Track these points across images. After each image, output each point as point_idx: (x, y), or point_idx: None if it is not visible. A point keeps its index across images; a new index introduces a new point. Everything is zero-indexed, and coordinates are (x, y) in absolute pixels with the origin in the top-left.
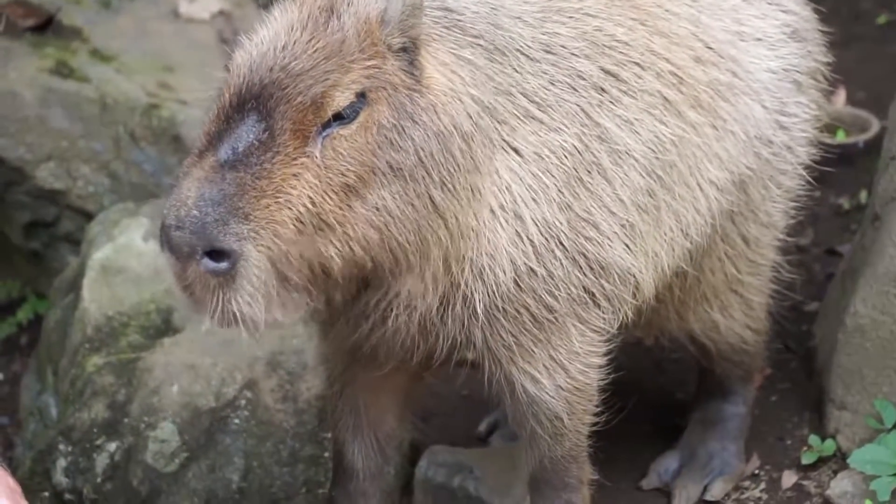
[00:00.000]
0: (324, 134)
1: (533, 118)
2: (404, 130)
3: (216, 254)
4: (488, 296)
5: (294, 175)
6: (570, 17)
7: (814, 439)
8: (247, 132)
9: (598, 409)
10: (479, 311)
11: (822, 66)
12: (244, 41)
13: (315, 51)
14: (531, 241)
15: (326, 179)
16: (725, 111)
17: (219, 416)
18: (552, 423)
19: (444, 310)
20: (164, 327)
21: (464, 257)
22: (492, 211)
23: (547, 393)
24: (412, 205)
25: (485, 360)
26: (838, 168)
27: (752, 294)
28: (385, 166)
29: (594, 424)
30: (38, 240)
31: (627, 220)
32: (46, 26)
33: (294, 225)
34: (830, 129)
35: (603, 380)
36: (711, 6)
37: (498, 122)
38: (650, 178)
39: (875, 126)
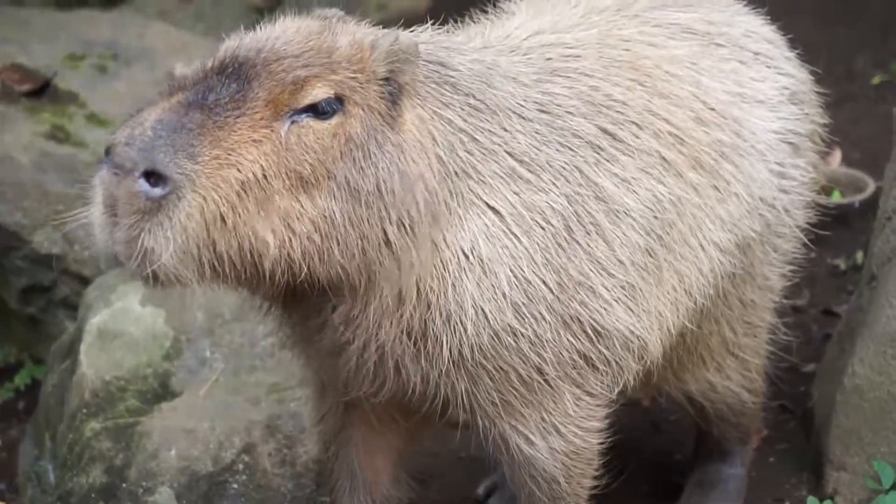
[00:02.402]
0: (294, 119)
1: (519, 178)
2: (370, 154)
3: (154, 178)
4: (460, 345)
5: (253, 140)
6: (567, 77)
7: (812, 500)
8: (221, 87)
9: (598, 472)
10: (451, 357)
11: (819, 128)
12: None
13: (307, 45)
14: (507, 298)
15: (284, 160)
16: (729, 172)
17: (217, 480)
18: (549, 486)
19: (415, 349)
20: (162, 392)
21: (428, 302)
22: (458, 263)
23: (541, 454)
24: (362, 231)
25: (476, 416)
26: (834, 229)
27: (748, 355)
28: (342, 180)
29: (594, 487)
30: (35, 305)
31: (627, 282)
32: (42, 91)
33: (238, 188)
34: (826, 189)
35: (602, 443)
36: (712, 68)
37: (475, 181)
38: (650, 238)
39: (870, 186)
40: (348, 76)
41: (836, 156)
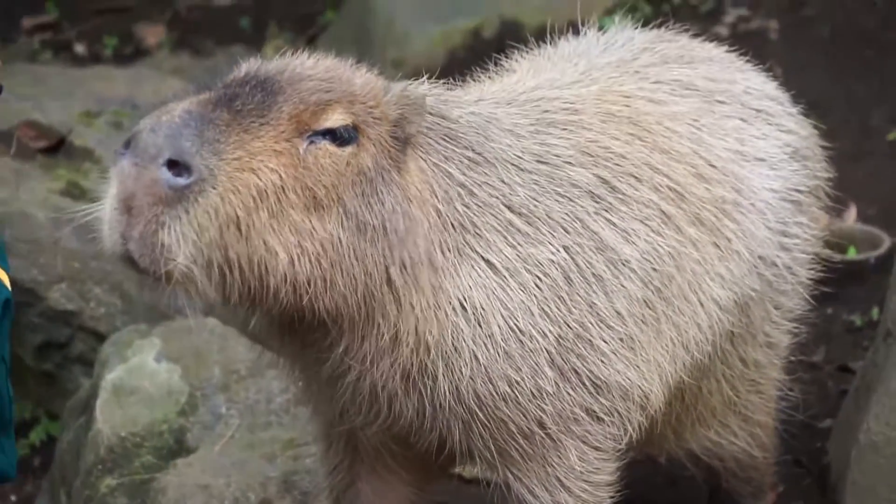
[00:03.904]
0: (312, 139)
1: (516, 230)
2: (377, 191)
3: (177, 168)
4: (457, 389)
5: (275, 151)
6: (564, 129)
7: None
8: (247, 95)
9: None
10: (447, 399)
11: (824, 183)
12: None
13: (328, 73)
14: (501, 348)
15: (301, 175)
16: (730, 230)
17: None
18: None
19: (410, 388)
20: (178, 448)
21: (427, 346)
22: (455, 311)
23: None
24: (366, 267)
25: (476, 460)
26: (850, 285)
27: (754, 413)
28: (352, 210)
29: None
30: (51, 361)
31: (626, 333)
32: (58, 148)
33: (255, 194)
34: (842, 245)
35: (612, 497)
36: (713, 125)
37: (471, 234)
38: (648, 290)
39: (886, 242)
40: (365, 110)
41: (852, 212)
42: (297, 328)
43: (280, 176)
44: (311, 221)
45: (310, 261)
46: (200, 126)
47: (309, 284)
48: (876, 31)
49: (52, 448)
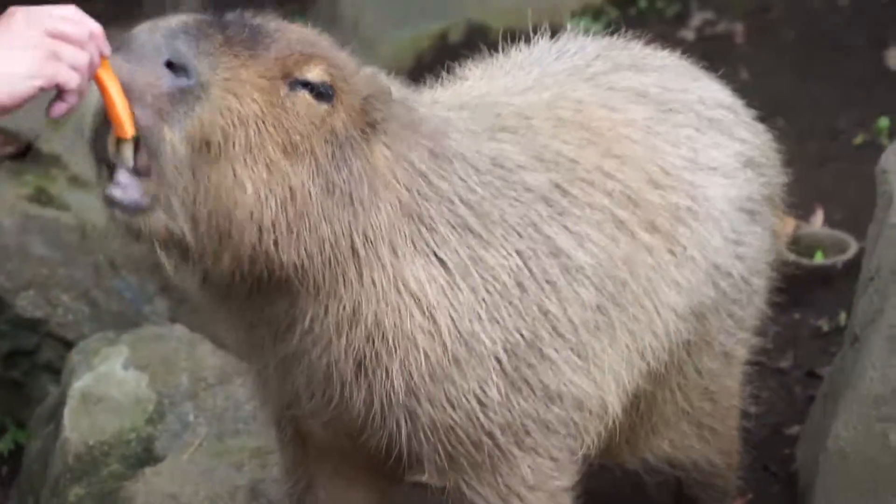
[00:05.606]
0: (293, 86)
1: (470, 230)
2: (346, 156)
3: (177, 70)
4: (405, 382)
5: (258, 86)
6: (515, 134)
7: None
8: (238, 29)
9: None
10: (394, 391)
11: (779, 189)
12: None
13: (313, 35)
14: (448, 349)
15: (278, 115)
16: (686, 237)
17: None
18: None
19: (361, 373)
20: (146, 456)
21: (382, 331)
22: (407, 302)
23: None
24: (332, 228)
25: (427, 469)
26: (817, 290)
27: (710, 421)
28: (323, 166)
29: None
30: (19, 369)
31: (579, 342)
32: (25, 153)
33: (234, 120)
34: (809, 250)
35: (573, 501)
36: (667, 134)
37: (426, 227)
38: (602, 296)
39: (853, 247)
40: (342, 76)
41: (819, 216)
42: (258, 295)
43: (261, 108)
44: (284, 164)
45: (276, 202)
46: (198, 35)
47: (274, 228)
48: (842, 35)
49: (20, 457)
